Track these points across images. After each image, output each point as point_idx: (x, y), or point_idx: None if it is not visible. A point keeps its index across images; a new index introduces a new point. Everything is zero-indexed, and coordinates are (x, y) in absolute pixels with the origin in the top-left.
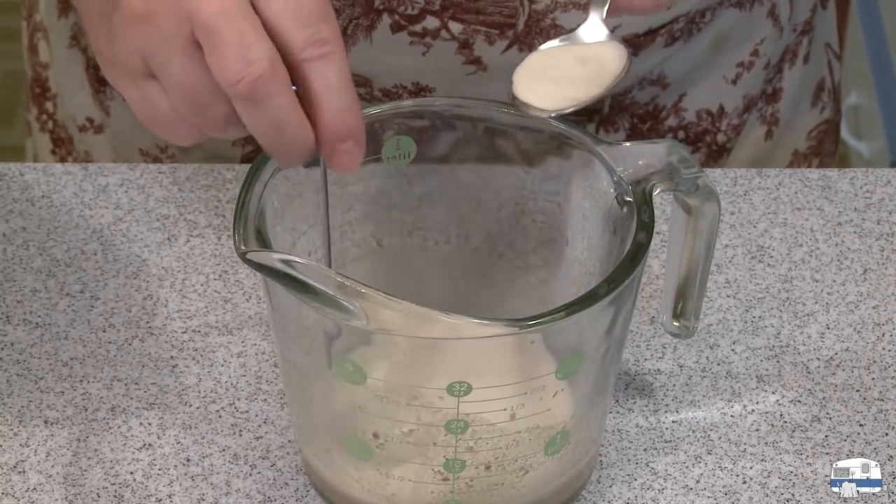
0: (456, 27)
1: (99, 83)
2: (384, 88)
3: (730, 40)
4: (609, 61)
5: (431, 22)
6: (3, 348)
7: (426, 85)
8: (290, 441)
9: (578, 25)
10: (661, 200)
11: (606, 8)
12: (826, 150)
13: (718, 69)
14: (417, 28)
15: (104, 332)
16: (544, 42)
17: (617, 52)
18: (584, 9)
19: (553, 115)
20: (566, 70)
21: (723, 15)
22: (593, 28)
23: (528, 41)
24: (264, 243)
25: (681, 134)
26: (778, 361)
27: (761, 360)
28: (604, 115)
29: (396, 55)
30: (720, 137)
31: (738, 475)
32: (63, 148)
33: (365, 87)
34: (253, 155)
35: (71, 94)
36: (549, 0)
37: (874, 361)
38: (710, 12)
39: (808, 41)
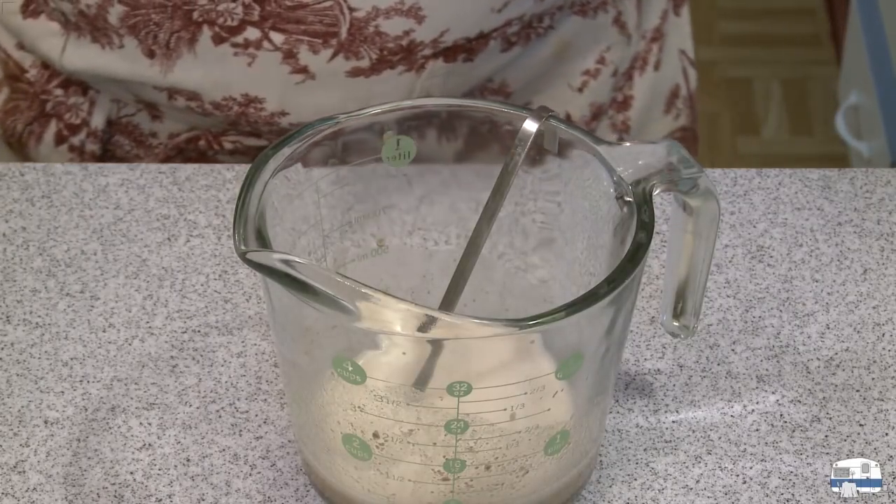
0: (278, 37)
1: None
2: (214, 102)
3: (574, 47)
4: None
5: (252, 33)
6: (3, 348)
7: (255, 96)
8: (290, 441)
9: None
10: (661, 200)
11: None
12: None
13: (563, 77)
14: (239, 39)
15: (104, 332)
16: (371, 49)
17: None
18: (407, 14)
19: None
20: None
21: (564, 22)
22: None
23: (353, 49)
24: (264, 243)
25: None
26: (778, 361)
27: (761, 360)
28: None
29: (222, 67)
30: None
31: (738, 475)
32: None
33: (195, 101)
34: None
35: None
36: (369, 7)
37: (874, 361)
38: (548, 17)
39: (658, 48)
